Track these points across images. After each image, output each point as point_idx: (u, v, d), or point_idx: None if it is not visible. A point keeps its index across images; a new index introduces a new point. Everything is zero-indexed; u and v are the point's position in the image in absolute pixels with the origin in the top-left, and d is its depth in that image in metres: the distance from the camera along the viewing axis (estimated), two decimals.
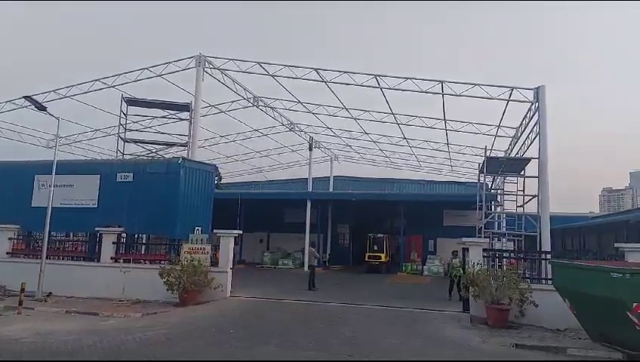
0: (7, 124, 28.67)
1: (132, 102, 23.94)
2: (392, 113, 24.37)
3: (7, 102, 25.35)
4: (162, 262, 15.06)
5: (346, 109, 25.39)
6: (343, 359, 8.49)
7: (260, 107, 27.65)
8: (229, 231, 15.43)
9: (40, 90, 23.45)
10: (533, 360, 8.91)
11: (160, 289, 13.83)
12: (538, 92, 17.08)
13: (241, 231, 17.03)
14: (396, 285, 21.53)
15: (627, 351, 8.52)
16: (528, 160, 18.96)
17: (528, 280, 12.66)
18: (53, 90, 23.97)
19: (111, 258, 15.77)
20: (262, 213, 31.81)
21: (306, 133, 34.42)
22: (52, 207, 14.96)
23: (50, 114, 15.41)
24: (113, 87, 23.39)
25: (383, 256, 27.97)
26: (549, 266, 11.70)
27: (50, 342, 9.27)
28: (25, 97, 16.48)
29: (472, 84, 18.46)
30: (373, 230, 29.35)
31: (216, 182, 20.49)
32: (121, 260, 15.72)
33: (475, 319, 12.15)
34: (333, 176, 42.13)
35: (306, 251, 28.74)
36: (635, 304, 7.54)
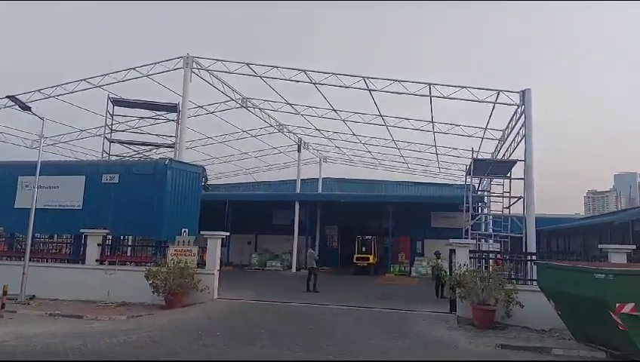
0: None
1: (118, 102, 23.73)
2: (381, 115, 24.46)
3: None
4: (148, 263, 14.90)
5: (335, 111, 25.43)
6: (331, 359, 8.48)
7: (249, 108, 27.59)
8: (216, 232, 15.32)
9: (25, 89, 23.13)
10: (519, 361, 8.96)
11: (146, 292, 13.68)
12: (524, 95, 17.28)
13: (228, 233, 16.94)
14: (384, 286, 21.55)
15: (610, 351, 8.66)
16: (514, 162, 19.15)
17: (514, 281, 12.76)
18: (38, 90, 23.72)
19: (96, 260, 15.57)
20: (250, 215, 31.70)
21: (294, 134, 34.41)
22: (36, 209, 14.74)
23: (34, 114, 15.20)
24: (99, 87, 23.21)
25: (371, 257, 28.00)
26: (535, 267, 11.82)
27: (34, 345, 9.12)
28: (8, 97, 16.24)
29: (459, 87, 18.61)
30: (362, 231, 29.40)
31: (203, 183, 20.33)
32: (107, 262, 15.55)
33: (462, 320, 12.21)
34: (323, 178, 42.13)
35: (294, 253, 28.85)
36: (617, 304, 7.63)
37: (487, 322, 11.54)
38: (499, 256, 16.37)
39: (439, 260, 17.64)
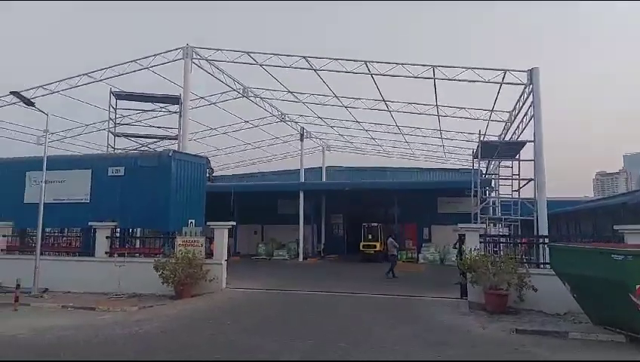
0: None
1: (121, 95, 23.63)
2: (384, 100, 24.21)
3: None
4: (157, 255, 14.93)
5: (337, 97, 25.17)
6: (341, 348, 8.40)
7: (250, 98, 27.40)
8: (222, 223, 15.33)
9: (28, 85, 23.00)
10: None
11: (155, 283, 13.70)
12: (532, 74, 16.97)
13: (234, 223, 16.90)
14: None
15: (630, 334, 8.51)
16: (523, 143, 18.93)
17: (526, 264, 12.65)
18: (41, 86, 23.58)
19: (105, 252, 15.63)
20: (255, 205, 31.67)
21: (297, 123, 34.22)
22: (44, 203, 14.77)
23: (38, 109, 15.11)
24: (101, 80, 23.04)
25: (377, 244, 27.93)
26: (547, 250, 11.69)
27: (47, 337, 9.14)
28: (12, 93, 16.12)
29: (464, 68, 18.30)
30: (368, 219, 29.31)
31: (208, 174, 20.28)
32: (116, 254, 15.58)
33: (474, 305, 12.14)
34: (326, 166, 42.04)
35: (300, 242, 28.90)
36: (637, 286, 7.53)
37: (500, 307, 11.46)
38: (510, 240, 16.23)
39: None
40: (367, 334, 9.42)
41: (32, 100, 15.59)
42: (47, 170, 15.04)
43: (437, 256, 27.45)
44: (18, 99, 15.68)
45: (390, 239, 21.11)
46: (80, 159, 20.31)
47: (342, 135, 35.85)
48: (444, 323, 10.39)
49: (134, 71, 22.36)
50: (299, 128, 35.31)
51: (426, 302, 12.97)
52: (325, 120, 31.39)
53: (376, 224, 28.67)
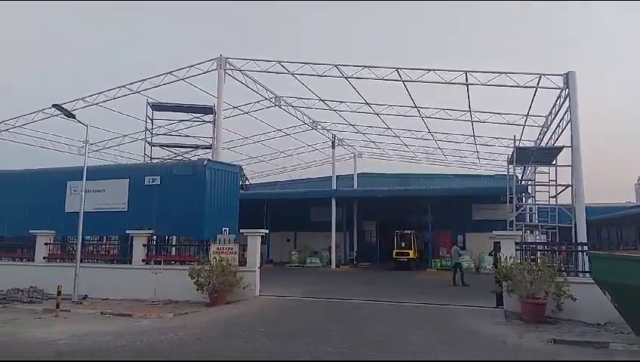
0: (39, 133, 29.50)
1: (157, 106, 24.34)
2: (416, 107, 24.00)
3: (37, 111, 26.05)
4: (192, 262, 15.19)
5: (368, 105, 25.13)
6: (368, 358, 8.32)
7: (282, 107, 27.67)
8: (255, 230, 15.46)
9: (68, 98, 23.95)
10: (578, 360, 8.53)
11: (191, 290, 13.96)
12: (568, 78, 16.52)
13: (267, 231, 17.05)
14: (426, 281, 21.23)
15: None
16: (560, 148, 18.40)
17: (564, 273, 12.27)
18: (81, 98, 24.49)
19: (142, 260, 16.00)
20: (288, 213, 31.90)
21: (328, 131, 34.31)
22: (84, 212, 15.25)
23: (78, 121, 15.72)
24: (138, 92, 23.74)
25: (411, 252, 27.66)
26: (586, 258, 11.31)
27: (86, 343, 9.41)
28: (54, 105, 16.88)
29: (497, 73, 17.97)
30: (401, 226, 29.05)
31: (241, 182, 20.59)
32: (152, 262, 15.94)
33: (510, 314, 11.85)
34: (358, 173, 41.93)
35: (333, 249, 28.87)
36: None
37: (538, 316, 11.13)
38: (547, 247, 15.75)
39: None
40: (399, 342, 9.31)
41: (72, 112, 16.23)
42: (86, 179, 15.57)
43: (472, 264, 26.92)
44: (60, 112, 16.35)
45: (455, 247, 20.89)
46: (118, 169, 20.98)
47: (373, 142, 35.72)
48: (479, 333, 10.17)
49: (170, 82, 22.98)
50: (330, 136, 35.40)
51: (460, 311, 12.75)
52: (357, 127, 31.37)
53: (409, 231, 28.39)
